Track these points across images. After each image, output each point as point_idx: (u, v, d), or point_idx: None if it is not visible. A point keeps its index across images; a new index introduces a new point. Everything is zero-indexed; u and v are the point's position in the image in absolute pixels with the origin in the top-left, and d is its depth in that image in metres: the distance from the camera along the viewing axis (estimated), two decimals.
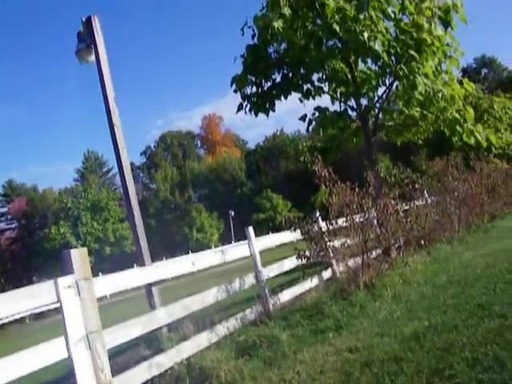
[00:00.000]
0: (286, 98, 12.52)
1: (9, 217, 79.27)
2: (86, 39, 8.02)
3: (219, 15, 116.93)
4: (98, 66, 7.96)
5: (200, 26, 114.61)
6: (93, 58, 8.04)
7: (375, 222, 9.10)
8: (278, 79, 12.51)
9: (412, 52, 10.79)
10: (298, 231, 8.37)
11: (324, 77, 12.62)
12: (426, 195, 13.89)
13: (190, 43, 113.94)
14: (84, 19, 8.04)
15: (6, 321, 26.77)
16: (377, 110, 12.89)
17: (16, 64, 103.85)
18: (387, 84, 12.16)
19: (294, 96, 12.70)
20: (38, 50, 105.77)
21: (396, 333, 5.18)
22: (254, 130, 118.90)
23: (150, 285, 7.07)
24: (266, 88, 12.47)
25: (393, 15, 11.10)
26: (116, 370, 4.52)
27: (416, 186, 11.83)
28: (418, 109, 12.15)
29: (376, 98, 12.76)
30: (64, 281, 4.12)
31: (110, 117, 7.88)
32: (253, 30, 12.02)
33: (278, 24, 11.04)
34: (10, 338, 21.75)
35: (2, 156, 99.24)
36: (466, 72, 62.13)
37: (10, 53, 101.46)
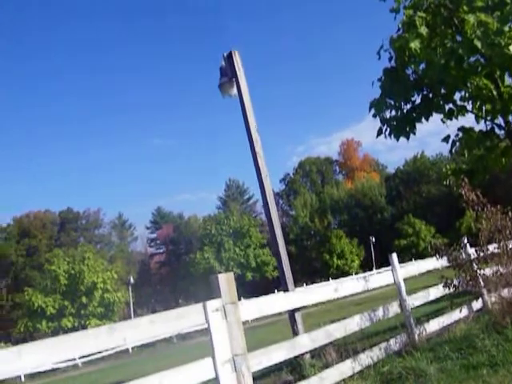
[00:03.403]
0: (427, 119, 12.12)
1: (158, 242, 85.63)
2: (228, 73, 8.49)
3: (353, 42, 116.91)
4: (240, 98, 8.37)
5: (335, 52, 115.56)
6: (235, 91, 8.48)
7: None
8: (418, 101, 12.16)
9: None
10: (445, 258, 7.96)
11: (467, 95, 12.05)
12: None
13: (327, 69, 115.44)
14: (225, 54, 8.54)
15: (156, 339, 28.84)
16: None
17: (167, 98, 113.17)
18: None
19: (436, 117, 12.25)
20: (187, 86, 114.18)
21: None
22: (394, 153, 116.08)
23: (293, 310, 7.14)
24: (405, 111, 12.17)
25: None
26: None
27: None
28: None
29: None
30: (212, 304, 4.29)
31: (253, 146, 8.20)
32: (389, 53, 11.88)
33: (415, 44, 10.77)
34: (167, 354, 23.21)
35: (153, 185, 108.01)
36: None
37: (164, 88, 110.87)
